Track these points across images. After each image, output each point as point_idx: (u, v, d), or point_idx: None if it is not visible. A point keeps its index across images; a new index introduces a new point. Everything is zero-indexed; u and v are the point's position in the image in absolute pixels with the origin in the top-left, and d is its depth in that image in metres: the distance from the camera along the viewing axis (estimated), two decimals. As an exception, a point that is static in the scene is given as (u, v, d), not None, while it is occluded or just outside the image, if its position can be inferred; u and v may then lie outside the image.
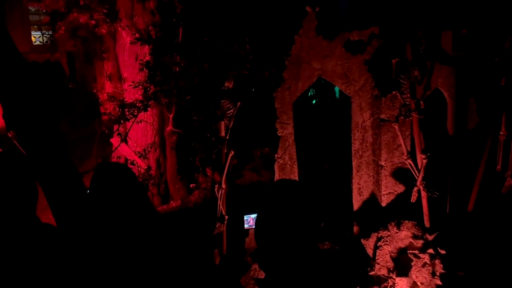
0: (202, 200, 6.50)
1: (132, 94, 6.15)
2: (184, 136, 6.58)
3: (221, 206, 4.68)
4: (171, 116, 6.34)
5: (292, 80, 4.86)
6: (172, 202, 6.51)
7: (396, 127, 4.09)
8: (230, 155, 4.79)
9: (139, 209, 2.02)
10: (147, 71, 6.19)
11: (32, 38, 16.39)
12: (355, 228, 5.30)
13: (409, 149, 4.23)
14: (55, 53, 17.19)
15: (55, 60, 17.77)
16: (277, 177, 5.09)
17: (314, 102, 9.51)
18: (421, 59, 3.55)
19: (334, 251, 5.04)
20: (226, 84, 4.72)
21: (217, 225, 4.76)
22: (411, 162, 4.05)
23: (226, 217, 4.66)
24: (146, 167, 6.20)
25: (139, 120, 5.94)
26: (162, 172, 6.52)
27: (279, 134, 4.99)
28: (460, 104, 4.66)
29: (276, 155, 5.04)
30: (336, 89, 7.68)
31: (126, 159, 6.65)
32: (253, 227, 1.91)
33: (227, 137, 4.71)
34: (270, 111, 6.94)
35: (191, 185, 6.77)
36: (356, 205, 5.25)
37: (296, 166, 5.09)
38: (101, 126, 8.14)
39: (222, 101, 4.67)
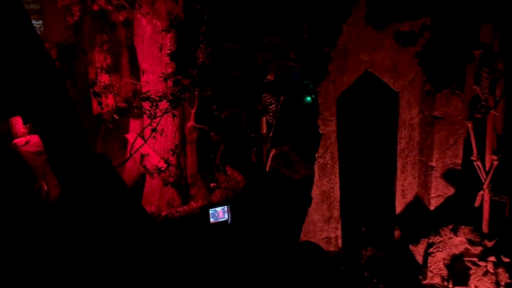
0: (224, 200, 6.10)
1: (151, 87, 5.70)
2: (205, 132, 6.16)
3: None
4: (193, 111, 5.91)
5: (337, 73, 4.49)
6: (192, 202, 6.09)
7: (469, 125, 3.74)
8: (271, 154, 4.42)
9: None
10: (170, 62, 5.75)
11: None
12: (397, 233, 4.97)
13: (474, 149, 3.90)
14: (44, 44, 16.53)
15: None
16: (316, 178, 4.73)
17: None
18: (508, 50, 3.22)
19: (377, 258, 4.71)
20: (268, 77, 4.34)
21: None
22: (479, 164, 3.72)
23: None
24: (165, 165, 5.76)
25: (159, 114, 5.50)
26: (182, 171, 6.09)
27: (321, 132, 4.61)
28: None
29: (316, 154, 4.67)
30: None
31: (142, 156, 6.22)
32: (222, 220, 1.93)
33: (270, 135, 4.35)
34: (291, 107, 6.59)
35: (211, 185, 6.36)
36: (399, 208, 4.92)
37: (337, 166, 4.73)
38: (102, 121, 7.67)
39: (263, 95, 4.29)
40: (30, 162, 5.17)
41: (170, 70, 5.78)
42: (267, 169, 4.27)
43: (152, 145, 5.99)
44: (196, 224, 5.57)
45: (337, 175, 4.76)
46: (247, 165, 7.05)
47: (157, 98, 4.88)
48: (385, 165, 4.97)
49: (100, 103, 5.58)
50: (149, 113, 5.18)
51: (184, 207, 6.02)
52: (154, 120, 4.68)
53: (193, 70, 5.28)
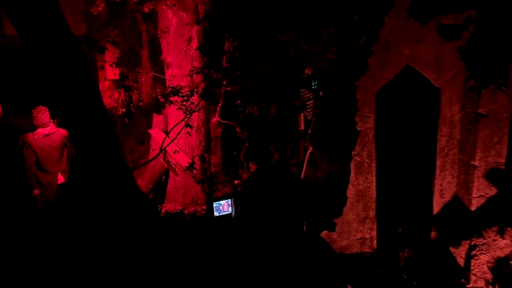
0: (229, 193, 5.94)
1: (176, 81, 5.52)
2: (229, 128, 6.00)
3: (298, 209, 4.14)
4: (218, 106, 5.74)
5: (378, 67, 4.31)
6: (216, 200, 5.93)
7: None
8: (309, 151, 4.25)
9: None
10: (196, 55, 5.57)
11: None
12: (434, 234, 4.80)
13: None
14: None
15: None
16: (352, 176, 4.55)
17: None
18: None
19: (416, 260, 4.54)
20: (306, 71, 4.16)
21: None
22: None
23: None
24: (189, 161, 5.60)
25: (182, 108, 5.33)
26: (207, 168, 5.93)
27: (358, 129, 4.44)
28: None
29: (353, 152, 4.50)
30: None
31: (165, 152, 6.06)
32: (226, 213, 1.87)
33: (309, 132, 4.17)
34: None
35: (235, 182, 6.19)
36: (436, 208, 4.74)
37: (374, 165, 4.56)
38: (115, 116, 7.51)
39: (301, 91, 4.12)
40: (44, 154, 5.04)
41: (196, 64, 5.62)
42: (304, 167, 4.09)
43: (176, 141, 5.83)
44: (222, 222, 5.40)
45: (374, 174, 4.59)
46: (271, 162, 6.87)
47: (188, 93, 4.70)
48: (423, 164, 4.79)
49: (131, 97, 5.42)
50: (178, 108, 5.01)
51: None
52: (186, 115, 4.49)
53: (222, 63, 5.10)
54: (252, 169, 6.72)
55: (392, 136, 4.74)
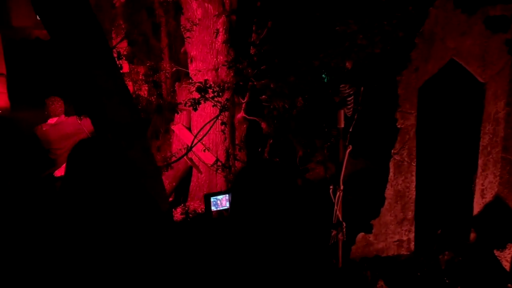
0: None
1: (201, 76, 5.31)
2: (254, 124, 5.79)
3: (337, 211, 3.94)
4: (244, 101, 5.52)
5: (421, 60, 4.08)
6: (241, 198, 5.73)
7: None
8: (348, 150, 4.03)
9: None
10: (222, 49, 5.35)
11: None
12: (473, 235, 4.60)
13: None
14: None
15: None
16: (391, 176, 4.34)
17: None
18: None
19: (456, 263, 4.35)
20: (346, 65, 3.94)
21: (332, 233, 4.02)
22: None
23: (344, 223, 3.93)
24: (214, 159, 5.40)
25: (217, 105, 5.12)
26: (231, 165, 5.72)
27: (399, 126, 4.22)
28: None
29: (392, 151, 4.29)
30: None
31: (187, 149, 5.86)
32: (224, 208, 1.92)
33: (350, 129, 3.96)
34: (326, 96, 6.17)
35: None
36: (476, 208, 4.54)
37: (414, 164, 4.34)
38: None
39: (341, 86, 3.89)
40: (54, 143, 4.91)
41: (221, 57, 5.39)
42: (343, 168, 3.88)
43: (199, 136, 5.63)
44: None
45: (414, 173, 4.38)
46: (295, 159, 6.68)
47: (218, 88, 4.49)
48: (463, 163, 4.58)
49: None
50: (213, 105, 4.81)
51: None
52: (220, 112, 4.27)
53: (252, 57, 4.88)
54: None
55: (432, 134, 4.52)
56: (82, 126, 4.76)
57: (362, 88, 3.90)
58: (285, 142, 6.51)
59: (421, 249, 4.59)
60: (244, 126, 5.73)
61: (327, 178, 6.45)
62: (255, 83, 5.24)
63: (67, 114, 5.04)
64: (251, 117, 5.52)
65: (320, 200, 5.70)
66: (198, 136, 5.58)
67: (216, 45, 5.35)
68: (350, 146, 3.94)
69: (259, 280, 1.43)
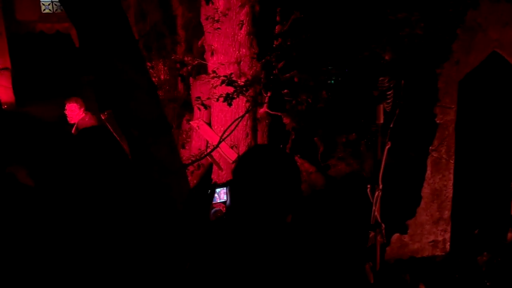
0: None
1: (223, 69, 5.08)
2: (276, 119, 5.58)
3: (376, 212, 3.74)
4: (267, 95, 5.30)
5: (463, 52, 3.87)
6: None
7: None
8: (387, 147, 3.83)
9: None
10: (244, 41, 5.12)
11: (41, 5, 15.02)
12: (511, 235, 4.42)
13: None
14: (64, 22, 15.82)
15: (64, 30, 16.40)
16: (428, 174, 4.15)
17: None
18: None
19: (495, 264, 4.16)
20: (385, 57, 3.73)
21: (370, 235, 3.83)
22: None
23: (383, 225, 3.73)
24: (236, 156, 5.20)
25: (207, 98, 4.91)
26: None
27: (438, 121, 4.02)
28: None
29: (430, 147, 4.09)
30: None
31: (207, 145, 5.66)
32: (222, 201, 1.68)
33: (391, 125, 3.75)
34: (360, 90, 5.96)
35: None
36: (516, 207, 4.36)
37: (452, 161, 4.15)
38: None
39: (380, 79, 3.68)
40: None
41: (244, 50, 5.17)
42: (382, 166, 3.68)
43: (220, 133, 5.42)
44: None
45: (452, 171, 4.18)
46: (316, 155, 6.49)
47: (242, 83, 4.28)
48: (502, 160, 4.38)
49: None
50: (247, 100, 4.60)
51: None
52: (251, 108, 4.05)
53: (276, 49, 4.67)
54: (297, 163, 6.36)
55: (471, 130, 4.32)
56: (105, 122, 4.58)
57: (402, 82, 3.69)
58: (307, 138, 6.32)
59: (456, 249, 4.41)
60: (267, 121, 5.52)
61: (350, 175, 6.27)
62: (280, 76, 5.03)
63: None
64: (274, 112, 5.31)
65: (344, 197, 5.52)
66: (220, 132, 5.38)
67: (239, 37, 5.13)
68: (389, 143, 3.73)
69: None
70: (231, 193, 1.45)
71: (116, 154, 1.96)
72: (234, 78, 4.72)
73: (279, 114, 5.32)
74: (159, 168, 3.82)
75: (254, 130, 5.52)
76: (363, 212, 4.78)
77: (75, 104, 4.81)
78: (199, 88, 5.70)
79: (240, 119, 4.48)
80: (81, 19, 3.43)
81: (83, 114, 4.82)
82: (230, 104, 4.25)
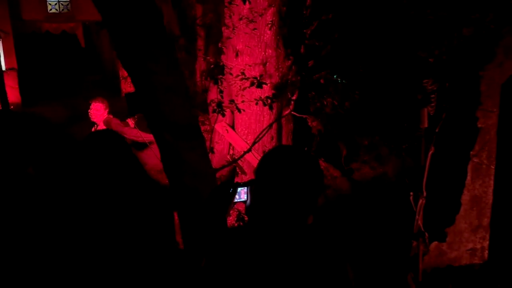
0: (322, 200, 5.38)
1: (247, 72, 4.92)
2: (302, 122, 5.43)
3: (419, 221, 3.58)
4: (293, 97, 5.15)
5: (506, 54, 3.71)
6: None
7: None
8: (430, 152, 3.68)
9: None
10: (270, 42, 4.97)
11: (48, 5, 14.86)
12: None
13: None
14: (70, 22, 15.66)
15: (70, 30, 16.23)
16: (468, 180, 4.00)
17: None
18: None
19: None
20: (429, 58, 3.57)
21: (413, 244, 3.68)
22: None
23: (427, 234, 3.57)
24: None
25: (254, 101, 4.76)
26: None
27: (479, 125, 3.87)
28: None
29: (471, 152, 3.93)
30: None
31: (230, 148, 5.52)
32: (243, 200, 1.62)
33: (437, 130, 3.60)
34: (385, 91, 5.82)
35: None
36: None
37: (493, 167, 4.00)
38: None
39: (424, 81, 3.53)
40: None
41: (270, 51, 5.02)
42: (426, 173, 3.52)
43: (244, 136, 5.27)
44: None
45: (492, 177, 4.03)
46: (338, 158, 6.34)
47: (268, 85, 4.12)
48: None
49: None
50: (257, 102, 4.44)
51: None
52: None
53: (304, 50, 4.52)
54: (322, 167, 6.21)
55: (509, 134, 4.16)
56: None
57: (447, 84, 3.54)
58: (329, 141, 6.17)
59: (494, 258, 4.26)
60: (292, 124, 5.37)
61: (375, 179, 6.12)
62: (307, 78, 4.87)
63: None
64: (301, 115, 5.15)
65: (372, 203, 5.36)
66: (244, 135, 5.24)
67: (265, 38, 4.97)
68: (433, 148, 3.58)
69: None
70: (252, 193, 1.43)
71: (122, 159, 1.93)
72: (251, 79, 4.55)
73: (306, 116, 5.16)
74: (191, 173, 3.66)
75: (279, 133, 5.36)
76: (396, 218, 4.63)
77: (100, 104, 4.70)
78: (214, 90, 5.55)
79: (268, 128, 4.31)
80: (113, 17, 3.26)
81: (107, 115, 4.71)
82: (271, 108, 4.09)
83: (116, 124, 4.68)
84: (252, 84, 4.35)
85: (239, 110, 3.78)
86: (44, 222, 1.73)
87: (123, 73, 14.70)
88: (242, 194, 1.57)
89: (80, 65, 17.24)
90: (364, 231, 4.64)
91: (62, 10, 15.18)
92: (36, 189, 1.85)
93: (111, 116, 4.87)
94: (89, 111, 4.69)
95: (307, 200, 1.31)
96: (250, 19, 4.81)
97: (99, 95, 5.39)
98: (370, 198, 5.35)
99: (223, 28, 5.25)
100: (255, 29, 4.75)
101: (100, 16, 3.33)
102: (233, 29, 5.00)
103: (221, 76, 3.66)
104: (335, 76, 4.66)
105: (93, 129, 4.76)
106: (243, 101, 4.29)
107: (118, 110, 5.01)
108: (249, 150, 3.81)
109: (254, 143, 4.00)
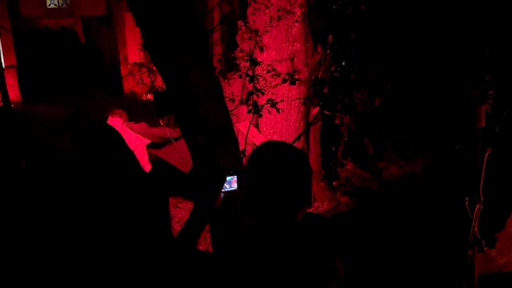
0: (353, 202, 5.12)
1: (275, 67, 4.64)
2: (330, 120, 5.15)
3: (475, 228, 3.32)
4: (322, 95, 4.87)
5: None
6: (315, 204, 5.11)
7: None
8: (487, 154, 3.40)
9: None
10: (298, 36, 4.68)
11: (47, 0, 14.47)
12: None
13: None
14: (69, 17, 15.28)
15: (69, 26, 15.84)
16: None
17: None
18: None
19: None
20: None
21: (469, 253, 3.42)
22: None
23: (483, 241, 3.31)
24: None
25: (280, 100, 4.46)
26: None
27: (535, 124, 3.59)
28: None
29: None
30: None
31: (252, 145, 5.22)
32: (233, 189, 1.67)
33: (497, 129, 3.32)
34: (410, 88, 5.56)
35: (334, 183, 5.37)
36: None
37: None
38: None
39: (484, 76, 3.25)
40: None
41: (298, 45, 4.73)
42: (482, 174, 3.25)
43: (270, 136, 4.98)
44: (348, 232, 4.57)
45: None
46: (364, 157, 6.07)
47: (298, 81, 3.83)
48: None
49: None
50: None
51: (310, 210, 5.05)
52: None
53: (333, 45, 4.23)
54: (348, 167, 5.93)
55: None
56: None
57: (506, 80, 3.26)
58: (354, 139, 5.90)
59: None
60: (320, 122, 5.09)
61: (404, 179, 5.86)
62: (337, 74, 4.59)
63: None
64: (330, 113, 4.86)
65: (404, 204, 5.11)
66: (269, 135, 4.95)
67: (293, 31, 4.68)
68: (489, 149, 3.31)
69: None
70: (243, 183, 1.43)
71: (115, 150, 1.93)
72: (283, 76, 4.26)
73: (336, 114, 4.88)
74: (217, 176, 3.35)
75: (307, 132, 5.09)
76: (434, 221, 4.38)
77: (118, 119, 4.33)
78: (233, 86, 5.25)
79: (301, 134, 4.03)
80: (145, 6, 2.96)
81: (126, 128, 4.33)
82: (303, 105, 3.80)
83: (138, 128, 4.34)
84: (284, 80, 4.05)
85: (278, 110, 3.48)
86: (32, 217, 1.72)
87: (124, 70, 14.40)
88: (232, 183, 1.60)
89: (80, 62, 16.87)
90: (401, 235, 4.38)
91: (61, 5, 14.78)
92: (25, 183, 1.82)
93: (132, 123, 4.53)
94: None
95: (292, 193, 1.31)
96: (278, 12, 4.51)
97: (100, 93, 5.08)
98: (402, 199, 5.09)
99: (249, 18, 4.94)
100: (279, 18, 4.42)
101: (129, 6, 3.04)
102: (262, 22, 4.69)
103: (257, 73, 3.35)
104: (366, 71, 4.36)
105: None
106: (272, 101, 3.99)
107: (120, 108, 4.67)
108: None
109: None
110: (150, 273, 1.73)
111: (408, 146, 6.21)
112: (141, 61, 13.90)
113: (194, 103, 3.13)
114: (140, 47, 13.87)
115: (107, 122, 4.33)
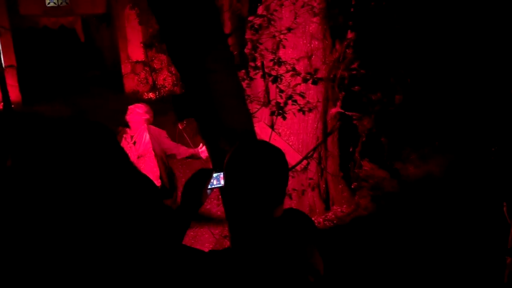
0: (373, 205, 4.94)
1: (289, 66, 4.45)
2: (348, 121, 4.97)
3: (514, 233, 3.15)
4: (341, 94, 4.69)
5: None
6: (335, 207, 4.93)
7: None
8: (525, 156, 3.23)
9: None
10: (316, 32, 4.49)
11: (46, -1, 14.21)
12: None
13: None
14: (69, 16, 15.05)
15: (69, 24, 15.60)
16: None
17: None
18: None
19: None
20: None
21: (508, 261, 3.25)
22: None
23: (523, 249, 3.14)
24: (305, 163, 4.59)
25: (306, 101, 4.28)
26: (323, 169, 4.91)
27: None
28: None
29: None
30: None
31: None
32: (219, 186, 1.60)
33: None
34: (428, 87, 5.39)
35: (352, 185, 5.20)
36: None
37: None
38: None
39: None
40: None
41: (316, 43, 4.54)
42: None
43: (286, 137, 4.81)
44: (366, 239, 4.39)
45: None
46: (380, 157, 5.90)
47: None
48: None
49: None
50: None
51: (328, 214, 4.88)
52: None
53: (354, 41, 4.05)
54: (366, 168, 5.75)
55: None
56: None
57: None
58: (371, 139, 5.73)
59: None
60: (338, 123, 4.91)
61: (422, 180, 5.70)
62: (357, 72, 4.40)
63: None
64: (350, 113, 4.69)
65: (426, 205, 4.94)
66: (286, 136, 4.77)
67: (310, 28, 4.49)
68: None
69: None
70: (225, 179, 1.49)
71: (105, 148, 1.77)
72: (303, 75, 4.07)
73: (356, 114, 4.70)
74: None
75: (324, 133, 4.90)
76: (466, 227, 4.21)
77: (142, 106, 4.03)
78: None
79: (321, 142, 3.84)
80: (166, 5, 2.78)
81: (145, 125, 4.05)
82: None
83: (154, 132, 4.07)
84: (305, 80, 3.87)
85: (303, 112, 3.30)
86: (19, 217, 1.64)
87: (125, 68, 14.16)
88: (220, 180, 1.59)
89: (80, 60, 16.64)
90: (427, 241, 4.22)
91: (61, 3, 14.53)
92: (9, 181, 1.73)
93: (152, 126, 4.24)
94: (126, 116, 4.03)
95: (269, 191, 1.34)
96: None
97: (101, 92, 4.85)
98: (424, 201, 4.92)
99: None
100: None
101: (149, 7, 2.84)
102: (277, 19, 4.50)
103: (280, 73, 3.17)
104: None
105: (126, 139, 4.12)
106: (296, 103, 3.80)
107: (121, 108, 4.39)
108: (302, 160, 3.34)
109: (306, 157, 3.52)
110: (139, 270, 1.66)
111: (425, 146, 6.05)
112: (144, 59, 13.70)
113: (217, 105, 2.95)
114: (142, 45, 13.69)
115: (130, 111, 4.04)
